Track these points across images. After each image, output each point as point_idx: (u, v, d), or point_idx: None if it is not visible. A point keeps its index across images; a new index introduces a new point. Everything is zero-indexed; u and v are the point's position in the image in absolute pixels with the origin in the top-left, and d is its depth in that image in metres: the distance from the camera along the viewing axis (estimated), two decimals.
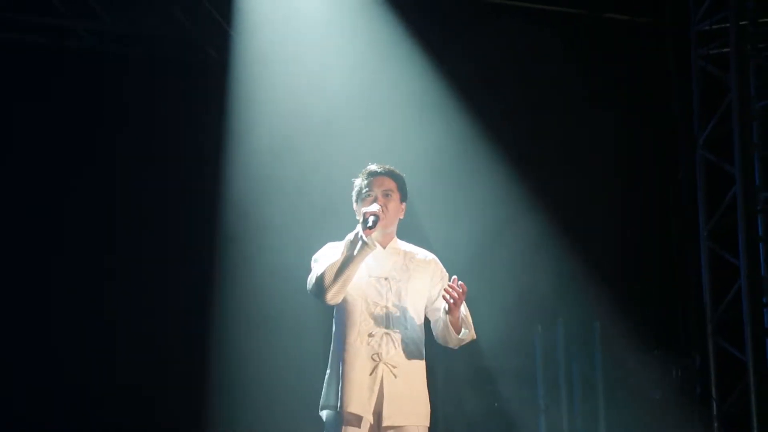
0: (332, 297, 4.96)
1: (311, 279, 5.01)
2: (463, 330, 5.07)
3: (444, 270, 5.21)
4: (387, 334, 5.00)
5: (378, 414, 4.95)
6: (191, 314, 8.43)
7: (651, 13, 9.85)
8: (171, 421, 8.27)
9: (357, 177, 5.18)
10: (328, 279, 4.91)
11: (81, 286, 8.34)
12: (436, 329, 5.16)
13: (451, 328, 5.04)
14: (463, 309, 5.06)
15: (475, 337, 5.15)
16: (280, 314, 8.35)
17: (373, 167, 5.16)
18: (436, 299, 5.15)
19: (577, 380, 9.07)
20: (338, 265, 4.91)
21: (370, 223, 4.91)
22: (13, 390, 8.12)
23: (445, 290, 4.96)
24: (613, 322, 9.11)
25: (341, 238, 5.05)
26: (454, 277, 4.99)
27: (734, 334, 9.20)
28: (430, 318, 5.19)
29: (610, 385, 9.05)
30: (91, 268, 8.40)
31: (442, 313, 5.08)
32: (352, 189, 5.18)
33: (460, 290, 4.93)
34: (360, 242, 4.89)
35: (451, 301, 4.94)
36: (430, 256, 5.23)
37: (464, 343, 5.13)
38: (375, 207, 5.00)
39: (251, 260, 8.40)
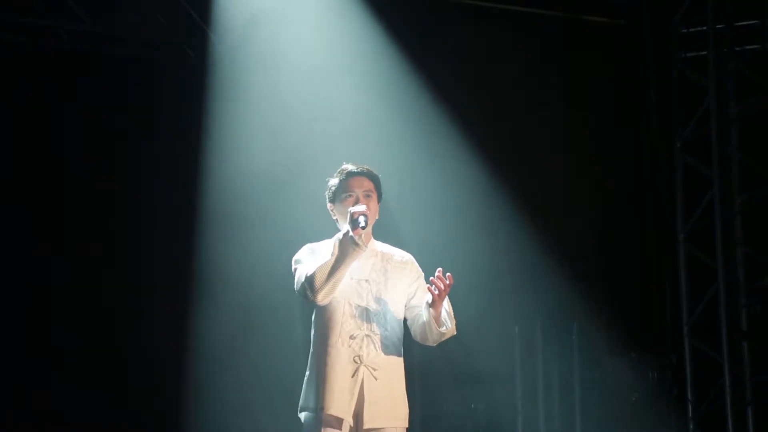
0: (323, 297, 4.93)
1: (300, 279, 4.96)
2: (444, 324, 5.00)
3: (420, 269, 5.18)
4: (368, 336, 4.98)
5: (358, 416, 4.93)
6: (171, 312, 8.42)
7: (630, 16, 9.87)
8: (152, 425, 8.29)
9: (332, 177, 5.13)
10: (319, 280, 4.88)
11: (62, 284, 8.34)
12: (415, 326, 5.10)
13: (433, 322, 4.98)
14: (446, 303, 5.01)
15: (455, 332, 5.09)
16: (259, 315, 8.34)
17: (351, 167, 5.11)
18: (413, 297, 5.11)
19: (555, 381, 9.09)
20: (330, 266, 4.86)
21: (362, 223, 4.85)
22: None
23: (431, 280, 4.90)
24: (591, 324, 9.14)
25: (321, 238, 5.05)
26: (440, 268, 4.91)
27: (710, 336, 9.24)
28: (408, 316, 5.14)
29: (587, 386, 9.08)
30: (72, 267, 8.39)
31: (424, 308, 5.01)
32: (327, 189, 5.13)
33: (447, 282, 4.89)
34: (350, 243, 4.86)
35: (436, 292, 4.89)
36: (407, 256, 5.20)
37: (444, 338, 5.07)
38: (362, 207, 4.95)
39: (232, 260, 8.39)
